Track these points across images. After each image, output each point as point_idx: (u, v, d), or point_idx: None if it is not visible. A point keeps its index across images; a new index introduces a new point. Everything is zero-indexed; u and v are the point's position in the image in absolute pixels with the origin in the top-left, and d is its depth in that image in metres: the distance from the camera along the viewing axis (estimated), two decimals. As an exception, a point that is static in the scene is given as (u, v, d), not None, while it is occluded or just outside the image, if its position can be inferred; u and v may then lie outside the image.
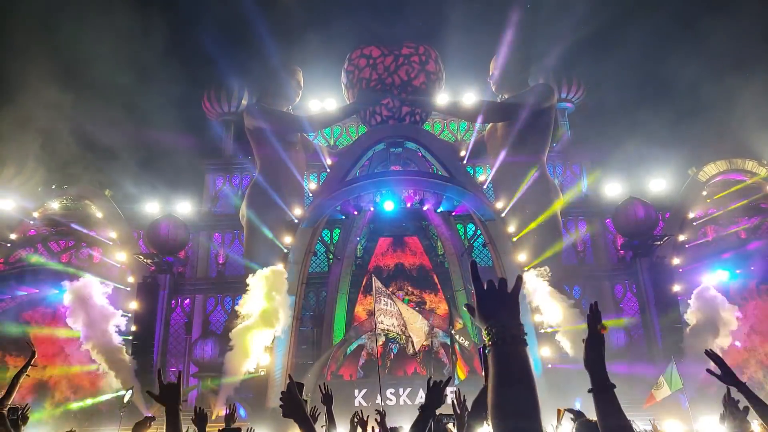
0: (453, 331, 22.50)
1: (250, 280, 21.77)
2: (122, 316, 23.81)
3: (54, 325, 23.69)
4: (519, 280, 1.87)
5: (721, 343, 20.60)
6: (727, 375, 3.42)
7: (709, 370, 3.56)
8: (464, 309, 17.48)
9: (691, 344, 21.64)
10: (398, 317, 20.34)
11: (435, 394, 3.36)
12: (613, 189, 28.57)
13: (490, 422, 1.66)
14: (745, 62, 29.33)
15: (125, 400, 17.32)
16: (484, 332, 1.77)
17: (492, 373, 1.69)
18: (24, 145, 27.33)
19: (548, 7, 31.43)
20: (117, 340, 22.70)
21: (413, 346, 21.52)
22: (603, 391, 2.08)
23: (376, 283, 20.11)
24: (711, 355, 3.57)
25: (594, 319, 2.19)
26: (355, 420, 6.06)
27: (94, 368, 22.68)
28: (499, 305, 1.79)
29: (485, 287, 1.83)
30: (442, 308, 26.81)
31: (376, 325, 19.83)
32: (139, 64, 35.15)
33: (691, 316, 22.36)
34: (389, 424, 5.90)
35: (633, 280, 27.02)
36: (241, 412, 20.46)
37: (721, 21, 33.06)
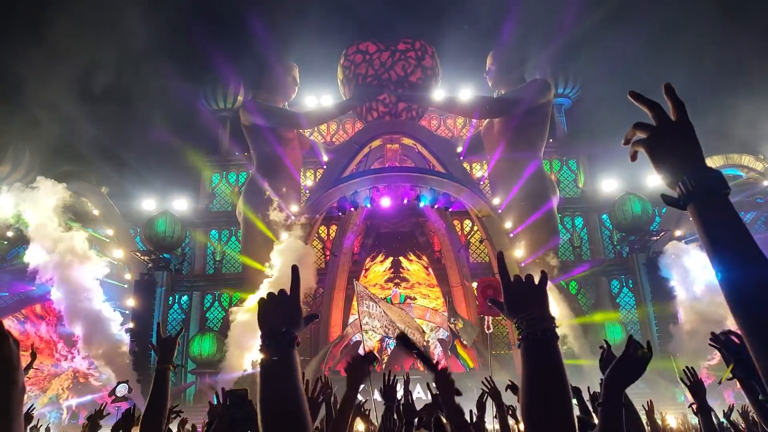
0: (454, 328, 22.51)
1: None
2: (120, 312, 23.91)
3: (51, 321, 23.73)
4: (544, 275, 1.80)
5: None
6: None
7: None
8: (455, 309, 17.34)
9: (687, 337, 21.75)
10: (381, 318, 20.42)
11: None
12: (610, 184, 28.61)
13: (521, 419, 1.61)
14: (743, 57, 29.35)
15: (119, 394, 17.30)
16: (513, 327, 1.71)
17: (523, 369, 1.62)
18: (20, 143, 27.28)
19: (545, 1, 31.40)
20: (116, 337, 22.78)
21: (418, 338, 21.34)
22: (609, 404, 2.01)
23: (358, 287, 20.25)
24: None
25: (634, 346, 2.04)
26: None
27: (93, 365, 22.78)
28: (528, 299, 1.71)
29: (512, 281, 1.76)
30: (440, 304, 26.83)
31: (361, 326, 19.94)
32: (134, 61, 35.01)
33: (685, 309, 22.42)
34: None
35: (629, 275, 27.11)
36: None
37: (720, 15, 33.07)
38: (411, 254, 27.83)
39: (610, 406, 1.96)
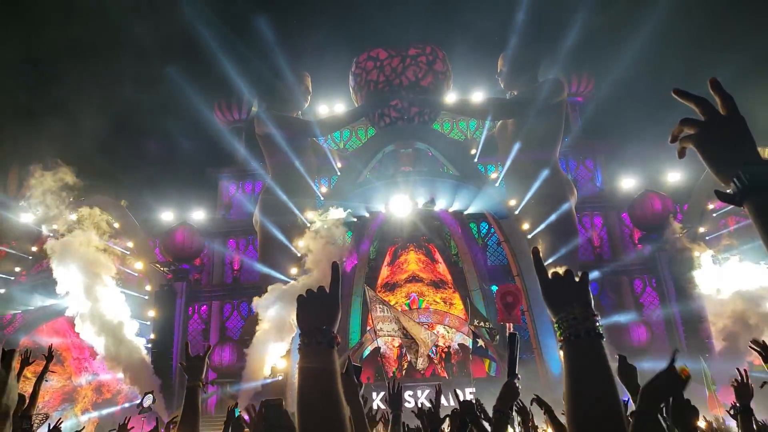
0: (476, 330, 22.20)
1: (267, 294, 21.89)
2: (140, 324, 24.14)
3: (75, 334, 24.00)
4: (585, 272, 1.72)
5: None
6: None
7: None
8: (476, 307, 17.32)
9: (722, 338, 21.36)
10: (397, 321, 20.23)
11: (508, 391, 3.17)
12: (628, 182, 28.23)
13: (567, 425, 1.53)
14: (761, 47, 28.75)
15: (145, 404, 17.44)
16: (554, 326, 1.63)
17: (566, 372, 1.55)
18: (43, 159, 27.75)
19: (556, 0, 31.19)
20: (137, 348, 23.00)
21: (417, 356, 21.09)
22: (645, 414, 1.96)
23: (369, 293, 20.07)
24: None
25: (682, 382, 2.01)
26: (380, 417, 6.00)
27: (117, 377, 23.02)
28: (568, 297, 1.61)
29: (550, 278, 1.67)
30: (459, 308, 26.65)
31: (376, 333, 19.73)
32: (150, 75, 35.48)
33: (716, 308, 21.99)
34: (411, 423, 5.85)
35: (653, 274, 26.65)
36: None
37: (742, 6, 32.52)
38: (412, 247, 27.59)
39: (646, 416, 1.91)
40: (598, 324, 1.56)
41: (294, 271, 23.21)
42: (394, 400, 3.83)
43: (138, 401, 17.96)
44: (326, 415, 1.56)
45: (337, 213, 22.52)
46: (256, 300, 22.29)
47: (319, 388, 1.59)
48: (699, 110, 1.46)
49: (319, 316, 1.71)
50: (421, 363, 21.33)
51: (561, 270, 1.70)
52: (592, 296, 1.64)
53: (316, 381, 1.60)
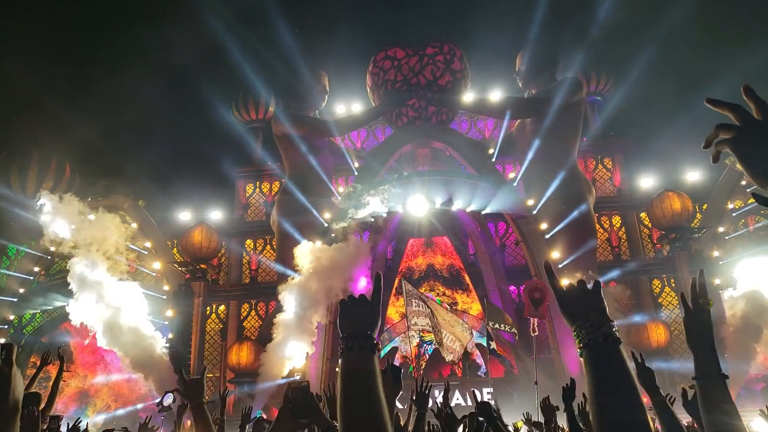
0: (491, 329, 22.11)
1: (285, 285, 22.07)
2: (159, 323, 24.44)
3: (88, 335, 24.38)
4: (598, 281, 1.76)
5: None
6: None
7: None
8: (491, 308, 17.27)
9: (735, 339, 21.08)
10: (431, 318, 20.11)
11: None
12: (647, 182, 27.88)
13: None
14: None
15: (165, 403, 17.60)
16: (573, 334, 1.67)
17: (588, 378, 1.58)
18: (60, 159, 28.23)
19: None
20: (156, 348, 23.26)
21: (446, 351, 20.98)
22: (708, 377, 2.01)
23: (407, 286, 19.99)
24: None
25: (701, 291, 2.09)
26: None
27: (134, 376, 23.31)
28: (584, 305, 1.67)
29: (565, 289, 1.73)
30: (476, 308, 26.55)
31: (409, 327, 19.68)
32: (167, 74, 35.91)
33: (732, 311, 21.75)
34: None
35: (671, 274, 26.33)
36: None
37: (760, 4, 31.88)
38: (429, 247, 27.68)
39: (707, 377, 1.94)
40: (614, 329, 1.61)
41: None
42: (421, 398, 3.84)
43: (157, 400, 18.14)
44: (369, 418, 1.60)
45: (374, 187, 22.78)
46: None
47: (362, 391, 1.64)
48: (734, 116, 1.48)
49: (362, 321, 1.77)
50: (449, 356, 21.13)
51: (574, 281, 1.74)
52: (605, 303, 1.68)
53: (359, 384, 1.66)
